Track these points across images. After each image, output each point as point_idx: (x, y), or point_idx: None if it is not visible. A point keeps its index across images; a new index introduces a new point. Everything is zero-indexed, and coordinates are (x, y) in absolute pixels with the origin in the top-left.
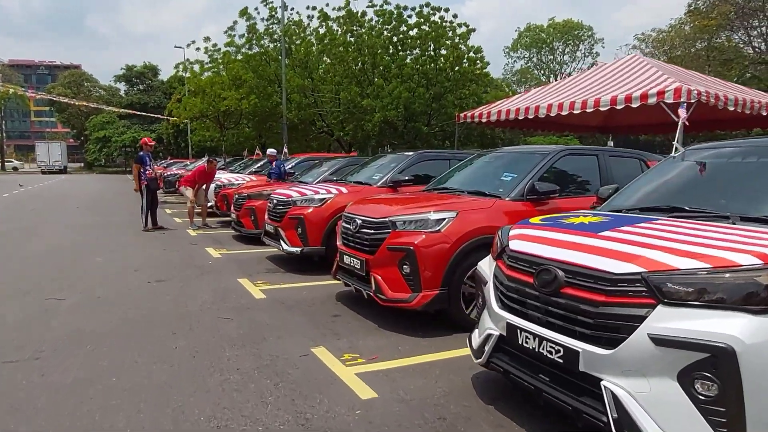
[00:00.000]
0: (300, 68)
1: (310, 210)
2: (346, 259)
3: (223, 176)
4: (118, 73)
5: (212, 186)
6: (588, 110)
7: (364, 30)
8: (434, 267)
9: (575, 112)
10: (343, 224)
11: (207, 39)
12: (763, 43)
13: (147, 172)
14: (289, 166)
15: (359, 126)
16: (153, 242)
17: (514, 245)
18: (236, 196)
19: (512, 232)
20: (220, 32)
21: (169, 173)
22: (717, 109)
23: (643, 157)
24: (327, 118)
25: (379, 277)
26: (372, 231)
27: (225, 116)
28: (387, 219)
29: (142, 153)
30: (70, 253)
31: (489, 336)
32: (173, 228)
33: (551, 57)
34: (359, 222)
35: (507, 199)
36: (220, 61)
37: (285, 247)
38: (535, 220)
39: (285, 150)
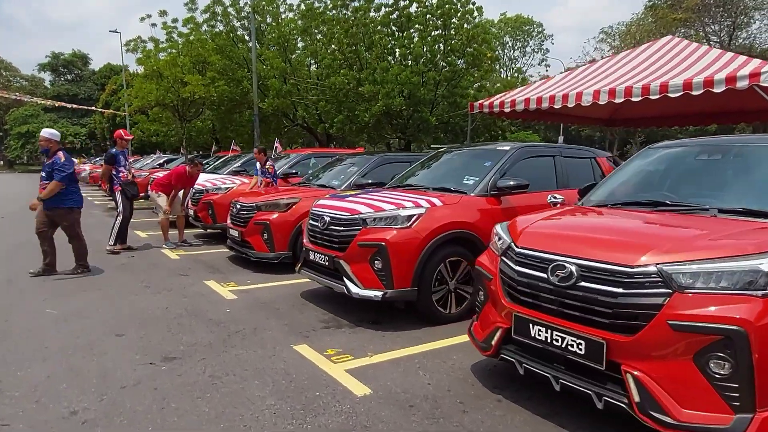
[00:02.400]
0: (277, 49)
1: (393, 234)
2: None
3: (202, 178)
4: (43, 61)
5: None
6: (652, 96)
7: (356, 4)
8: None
9: (634, 99)
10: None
11: (163, 13)
12: (717, 42)
13: (121, 173)
14: (288, 165)
15: (352, 117)
16: (126, 274)
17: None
18: (237, 206)
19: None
20: (176, 8)
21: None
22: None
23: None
24: (308, 109)
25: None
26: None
27: (185, 105)
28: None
29: (114, 150)
30: (2, 299)
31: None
32: (141, 246)
33: (502, 52)
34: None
35: (472, 194)
36: (181, 40)
37: (355, 288)
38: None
39: (277, 145)
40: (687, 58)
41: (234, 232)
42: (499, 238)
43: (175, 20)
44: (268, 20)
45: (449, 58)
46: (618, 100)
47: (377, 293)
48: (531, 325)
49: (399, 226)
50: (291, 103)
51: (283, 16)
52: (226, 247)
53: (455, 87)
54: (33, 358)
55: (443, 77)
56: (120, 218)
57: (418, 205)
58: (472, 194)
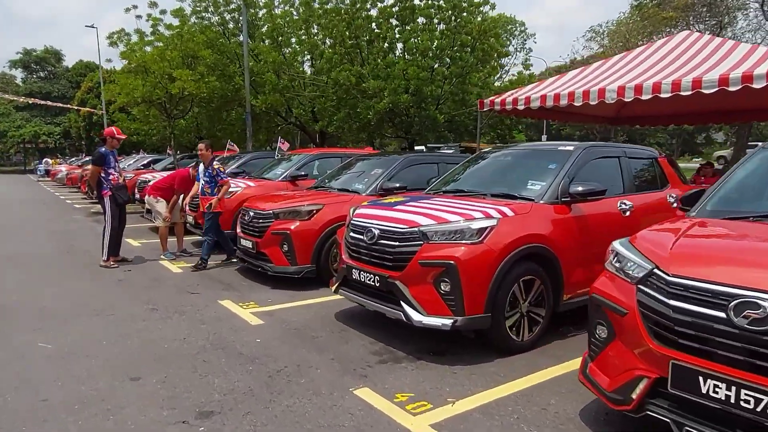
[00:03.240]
0: (270, 42)
1: (463, 250)
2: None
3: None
4: (14, 58)
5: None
6: (683, 93)
7: None
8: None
9: (663, 95)
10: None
11: (153, 4)
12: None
13: (111, 176)
14: (295, 166)
15: (354, 114)
16: (126, 293)
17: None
18: (250, 214)
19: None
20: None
21: None
22: None
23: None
24: (303, 106)
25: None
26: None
27: (174, 102)
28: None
29: (103, 149)
30: None
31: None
32: (135, 257)
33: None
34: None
35: (541, 202)
36: (168, 32)
37: (417, 316)
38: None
39: (281, 145)
40: (699, 53)
41: (246, 243)
42: (630, 261)
43: (163, 12)
44: (261, 13)
45: (459, 53)
46: (645, 97)
47: (445, 321)
48: (701, 378)
49: (468, 241)
50: (285, 100)
51: (277, 9)
52: (235, 257)
53: (463, 83)
54: (28, 420)
55: (452, 73)
56: (108, 228)
57: (489, 216)
58: (541, 202)
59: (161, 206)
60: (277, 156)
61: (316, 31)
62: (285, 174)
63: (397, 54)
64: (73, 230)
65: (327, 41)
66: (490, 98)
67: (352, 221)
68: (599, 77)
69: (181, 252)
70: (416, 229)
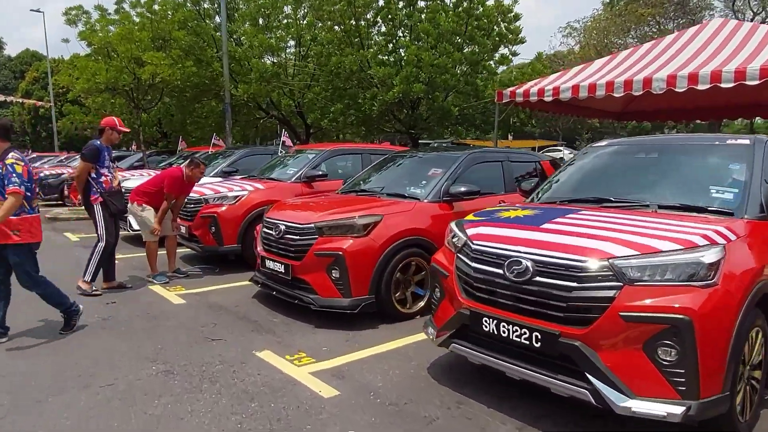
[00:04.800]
0: (251, 24)
1: (696, 301)
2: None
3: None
4: None
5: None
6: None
7: None
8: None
9: (700, 87)
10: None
11: None
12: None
13: (103, 178)
14: (311, 164)
15: (355, 106)
16: (121, 343)
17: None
18: (280, 227)
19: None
20: None
21: (47, 173)
22: None
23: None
24: (293, 96)
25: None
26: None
27: (142, 90)
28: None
29: (98, 143)
30: None
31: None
32: (125, 281)
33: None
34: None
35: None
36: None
37: (640, 404)
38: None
39: (284, 139)
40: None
41: (275, 266)
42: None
43: None
44: None
45: (476, 37)
46: (702, 87)
47: (672, 409)
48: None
49: (701, 283)
50: (270, 90)
51: None
52: (252, 282)
53: (476, 72)
54: None
55: (469, 60)
56: (101, 245)
57: (714, 242)
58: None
59: (149, 214)
60: (280, 153)
61: (305, 11)
62: (299, 174)
63: (403, 38)
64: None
65: (319, 24)
66: (511, 88)
67: (475, 246)
68: (633, 66)
69: (173, 273)
70: (607, 262)
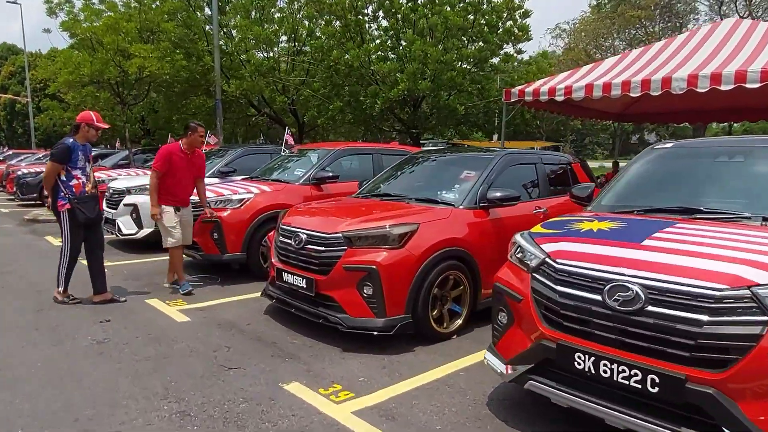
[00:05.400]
0: (243, 16)
1: None
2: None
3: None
4: None
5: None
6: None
7: None
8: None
9: (723, 87)
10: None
11: None
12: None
13: (74, 181)
14: (320, 165)
15: (355, 103)
16: (125, 378)
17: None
18: (300, 236)
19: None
20: None
21: (25, 171)
22: None
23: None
24: (289, 93)
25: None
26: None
27: (128, 85)
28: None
29: (71, 141)
30: None
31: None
32: (116, 295)
33: None
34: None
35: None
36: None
37: None
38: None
39: (287, 137)
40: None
41: (295, 279)
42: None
43: None
44: None
45: (484, 33)
46: (725, 88)
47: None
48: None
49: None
50: (264, 86)
51: None
52: (264, 296)
53: (486, 70)
54: None
55: (476, 57)
56: (65, 257)
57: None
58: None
59: (168, 218)
60: (283, 152)
61: (301, 4)
62: (307, 175)
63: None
64: (4, 247)
65: (317, 18)
66: (519, 87)
67: (556, 265)
68: (648, 66)
69: (172, 284)
70: (748, 290)
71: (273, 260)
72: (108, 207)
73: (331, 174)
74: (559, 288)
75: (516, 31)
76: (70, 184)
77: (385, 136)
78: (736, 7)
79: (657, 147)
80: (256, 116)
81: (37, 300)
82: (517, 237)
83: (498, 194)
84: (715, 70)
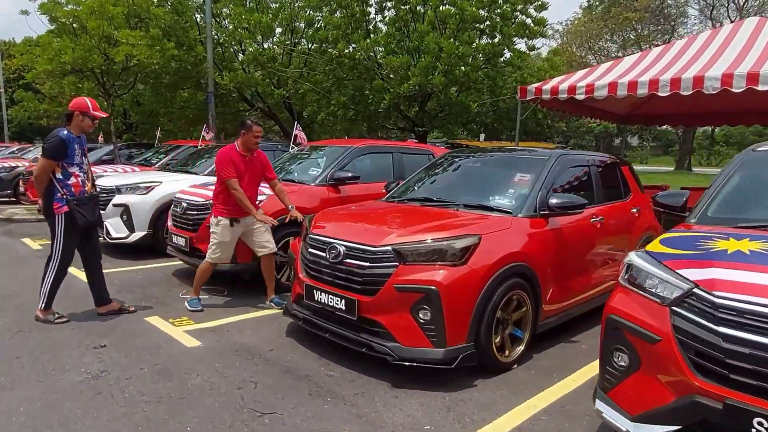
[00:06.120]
0: (238, 3)
1: None
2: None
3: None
4: None
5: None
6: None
7: None
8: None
9: (761, 88)
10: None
11: None
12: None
13: (72, 180)
14: (337, 164)
15: (361, 99)
16: (143, 425)
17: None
18: (338, 248)
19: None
20: None
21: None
22: None
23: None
24: (288, 87)
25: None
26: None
27: (114, 75)
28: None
29: (65, 133)
30: None
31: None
32: (124, 303)
33: None
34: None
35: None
36: None
37: None
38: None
39: (297, 133)
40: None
41: (330, 300)
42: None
43: None
44: None
45: (498, 26)
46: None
47: None
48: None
49: None
50: (260, 79)
51: None
52: (288, 316)
53: (500, 66)
54: None
55: (493, 50)
56: (52, 269)
57: None
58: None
59: (223, 232)
60: (292, 149)
61: None
62: (324, 175)
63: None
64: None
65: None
66: (536, 84)
67: (714, 299)
68: (674, 65)
69: (184, 295)
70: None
71: (300, 275)
72: None
73: (350, 174)
74: (722, 330)
75: (531, 24)
76: (69, 183)
77: (387, 133)
78: (728, 11)
79: (759, 149)
80: (249, 111)
81: (16, 318)
82: (635, 258)
83: (560, 201)
84: (751, 70)
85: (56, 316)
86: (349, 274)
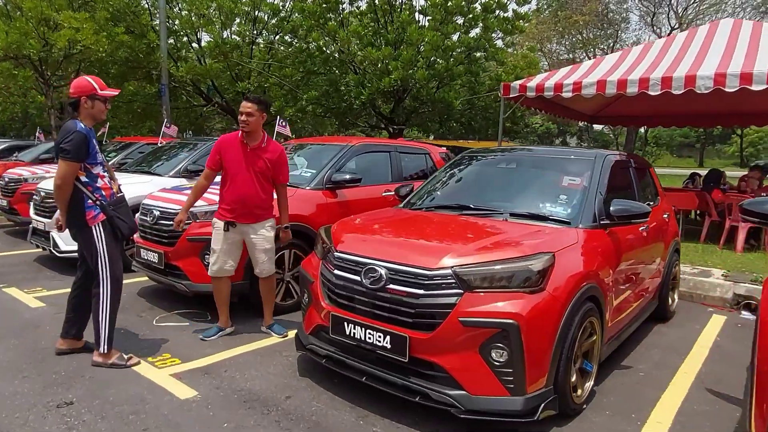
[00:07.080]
0: None
1: None
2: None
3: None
4: None
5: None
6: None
7: None
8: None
9: (755, 87)
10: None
11: None
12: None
13: (101, 182)
14: (334, 165)
15: (335, 94)
16: None
17: None
18: (378, 270)
19: None
20: None
21: None
22: None
23: None
24: (252, 81)
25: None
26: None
27: (54, 63)
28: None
29: (81, 125)
30: None
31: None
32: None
33: None
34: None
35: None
36: None
37: None
38: None
39: (279, 129)
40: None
41: (370, 336)
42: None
43: None
44: None
45: (480, 17)
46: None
47: None
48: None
49: None
50: (221, 71)
51: None
52: (305, 352)
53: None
54: None
55: (476, 44)
56: (106, 288)
57: None
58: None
59: (215, 237)
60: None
61: None
62: (320, 177)
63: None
64: None
65: None
66: (519, 81)
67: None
68: (660, 63)
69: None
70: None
71: (323, 302)
72: (37, 214)
73: (350, 176)
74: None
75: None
76: (98, 186)
77: (356, 131)
78: (668, 18)
79: None
80: (206, 106)
81: (31, 360)
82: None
83: (623, 208)
84: (744, 69)
85: (128, 358)
86: (395, 304)
